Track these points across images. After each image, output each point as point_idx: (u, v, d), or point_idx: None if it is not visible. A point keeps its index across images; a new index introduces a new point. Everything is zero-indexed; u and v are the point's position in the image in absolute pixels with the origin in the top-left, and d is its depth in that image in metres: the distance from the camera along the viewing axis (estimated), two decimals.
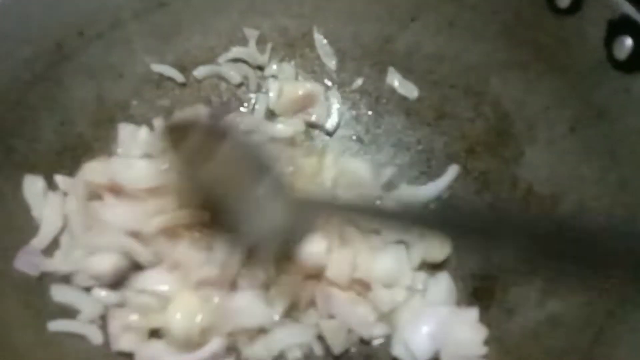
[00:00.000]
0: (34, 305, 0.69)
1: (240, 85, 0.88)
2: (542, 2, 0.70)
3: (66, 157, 0.77)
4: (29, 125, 0.74)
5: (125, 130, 0.80)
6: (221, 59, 0.86)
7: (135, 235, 0.70)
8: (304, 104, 0.86)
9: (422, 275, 0.75)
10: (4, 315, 0.66)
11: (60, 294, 0.70)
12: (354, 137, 0.87)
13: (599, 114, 0.67)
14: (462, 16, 0.78)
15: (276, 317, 0.69)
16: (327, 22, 0.86)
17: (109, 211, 0.72)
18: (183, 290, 0.69)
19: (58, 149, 0.77)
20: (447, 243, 0.75)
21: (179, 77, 0.85)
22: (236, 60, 0.87)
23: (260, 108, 0.86)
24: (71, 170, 0.77)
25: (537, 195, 0.73)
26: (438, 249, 0.76)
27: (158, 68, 0.85)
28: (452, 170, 0.80)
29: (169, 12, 0.82)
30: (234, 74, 0.86)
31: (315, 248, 0.70)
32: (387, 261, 0.73)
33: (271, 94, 0.85)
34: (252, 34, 0.86)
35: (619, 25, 0.63)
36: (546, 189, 0.72)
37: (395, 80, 0.85)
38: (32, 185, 0.73)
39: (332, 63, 0.87)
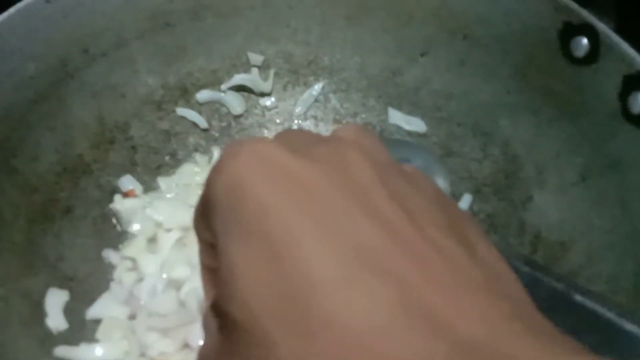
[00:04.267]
0: None
1: (240, 116, 0.87)
2: (557, 48, 0.70)
3: (66, 179, 0.74)
4: (31, 146, 0.71)
5: None
6: (224, 86, 0.85)
7: None
8: None
9: None
10: None
11: None
12: None
13: (610, 165, 0.67)
14: (473, 55, 0.78)
15: None
16: (333, 51, 0.85)
17: None
18: None
19: (58, 171, 0.74)
20: None
21: (202, 123, 0.85)
22: (239, 87, 0.86)
23: None
24: (70, 192, 0.75)
25: (545, 242, 0.73)
26: None
27: (182, 112, 0.84)
28: (466, 200, 0.80)
29: (174, 33, 0.80)
30: (236, 104, 0.85)
31: None
32: None
33: None
34: (256, 59, 0.85)
35: (635, 81, 0.63)
36: (555, 236, 0.72)
37: (398, 119, 0.85)
38: (56, 299, 0.70)
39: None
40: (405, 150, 0.77)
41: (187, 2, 0.78)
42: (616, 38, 0.65)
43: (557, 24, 0.69)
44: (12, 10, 0.67)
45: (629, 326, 0.52)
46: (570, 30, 0.68)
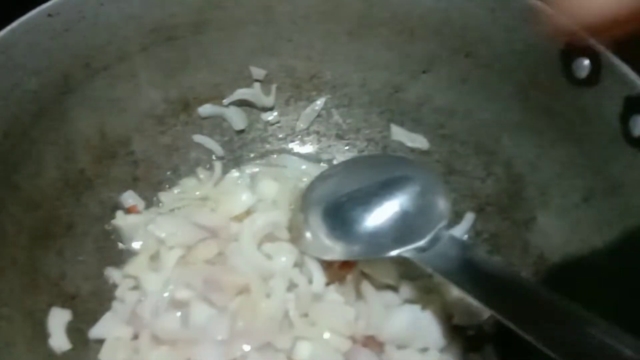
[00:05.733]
0: None
1: (242, 131, 0.86)
2: (559, 69, 0.69)
3: (67, 195, 0.74)
4: (33, 161, 0.70)
5: None
6: (226, 101, 0.84)
7: None
8: None
9: None
10: None
11: None
12: None
13: (612, 187, 0.67)
14: (475, 73, 0.77)
15: None
16: (335, 66, 0.85)
17: None
18: None
19: (60, 186, 0.73)
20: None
21: (218, 150, 0.86)
22: (241, 102, 0.85)
23: None
24: (72, 209, 0.74)
25: (548, 263, 0.73)
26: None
27: (198, 139, 0.84)
28: (469, 218, 0.80)
29: (176, 47, 0.79)
30: (238, 119, 0.85)
31: None
32: (402, 321, 0.70)
33: None
34: (258, 72, 0.84)
35: (636, 103, 0.63)
36: (557, 257, 0.72)
37: (400, 136, 0.85)
38: (58, 318, 0.69)
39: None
40: (407, 168, 0.77)
41: (190, 16, 0.78)
42: (617, 60, 0.64)
43: (559, 44, 0.68)
44: (14, 24, 0.66)
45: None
46: (572, 52, 0.68)
